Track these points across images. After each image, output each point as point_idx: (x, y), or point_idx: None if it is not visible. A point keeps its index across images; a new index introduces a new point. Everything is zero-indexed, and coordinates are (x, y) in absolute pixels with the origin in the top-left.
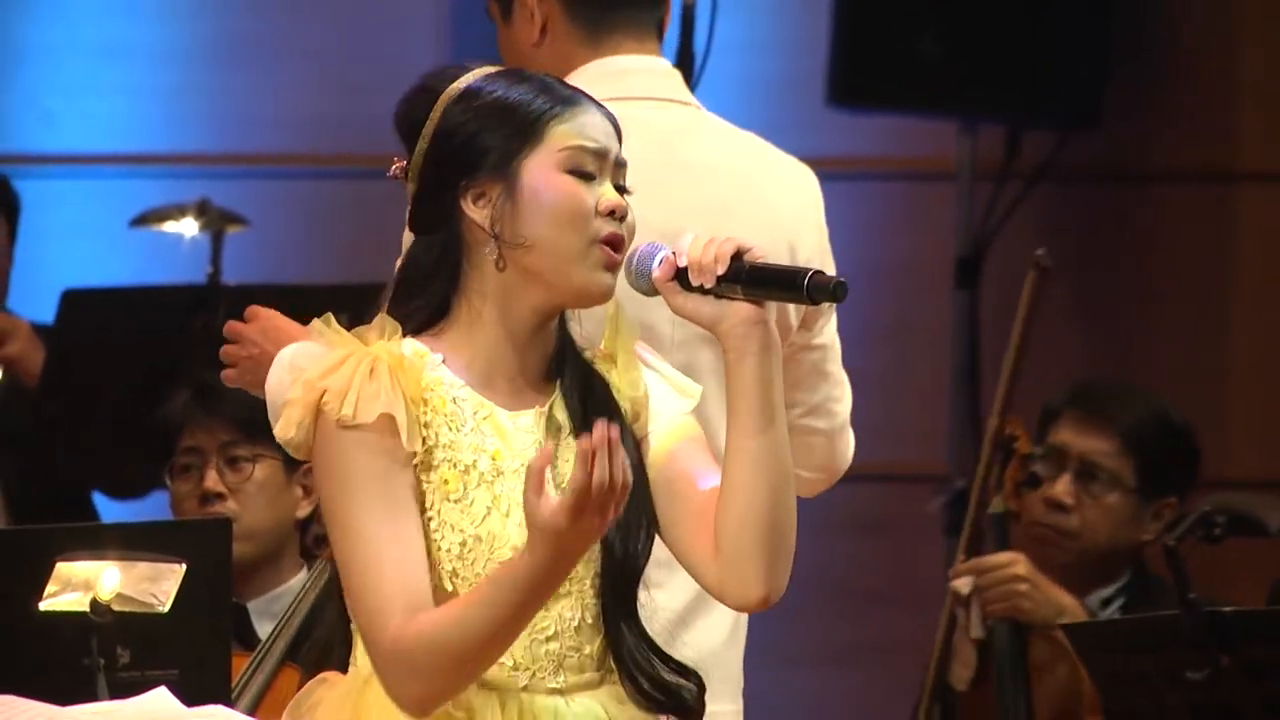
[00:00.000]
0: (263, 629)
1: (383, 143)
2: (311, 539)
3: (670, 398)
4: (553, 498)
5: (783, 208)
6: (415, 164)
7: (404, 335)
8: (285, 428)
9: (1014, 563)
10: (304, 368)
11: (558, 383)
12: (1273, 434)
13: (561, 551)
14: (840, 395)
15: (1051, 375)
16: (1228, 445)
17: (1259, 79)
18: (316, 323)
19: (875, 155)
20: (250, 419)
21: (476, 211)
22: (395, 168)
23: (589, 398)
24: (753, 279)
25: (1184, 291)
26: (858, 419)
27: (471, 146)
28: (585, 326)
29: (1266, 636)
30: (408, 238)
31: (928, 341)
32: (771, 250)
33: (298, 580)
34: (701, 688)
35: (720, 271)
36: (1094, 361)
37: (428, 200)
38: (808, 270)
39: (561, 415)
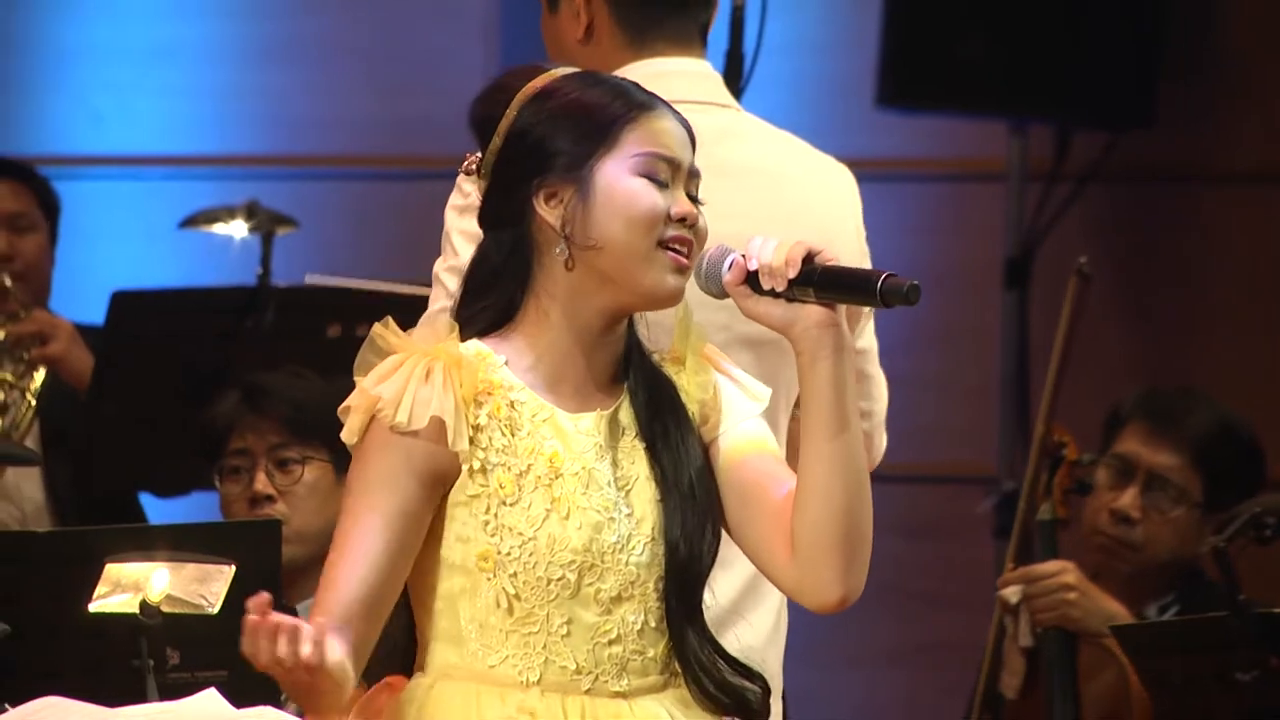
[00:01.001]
0: None
1: (432, 143)
2: None
3: (740, 401)
4: None
5: (821, 209)
6: (488, 161)
7: (470, 336)
8: (348, 434)
9: (1063, 571)
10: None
11: (625, 385)
12: None
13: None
14: (878, 395)
15: (1102, 378)
16: (1278, 450)
17: None
18: (377, 327)
19: (924, 156)
20: (299, 420)
21: (548, 211)
22: (469, 162)
23: (655, 400)
24: (825, 282)
25: (1235, 293)
26: (908, 421)
27: (545, 146)
28: (652, 333)
29: None
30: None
31: (977, 342)
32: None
33: None
34: (766, 690)
35: (792, 275)
36: (1145, 363)
37: (499, 197)
38: (881, 273)
39: (626, 418)
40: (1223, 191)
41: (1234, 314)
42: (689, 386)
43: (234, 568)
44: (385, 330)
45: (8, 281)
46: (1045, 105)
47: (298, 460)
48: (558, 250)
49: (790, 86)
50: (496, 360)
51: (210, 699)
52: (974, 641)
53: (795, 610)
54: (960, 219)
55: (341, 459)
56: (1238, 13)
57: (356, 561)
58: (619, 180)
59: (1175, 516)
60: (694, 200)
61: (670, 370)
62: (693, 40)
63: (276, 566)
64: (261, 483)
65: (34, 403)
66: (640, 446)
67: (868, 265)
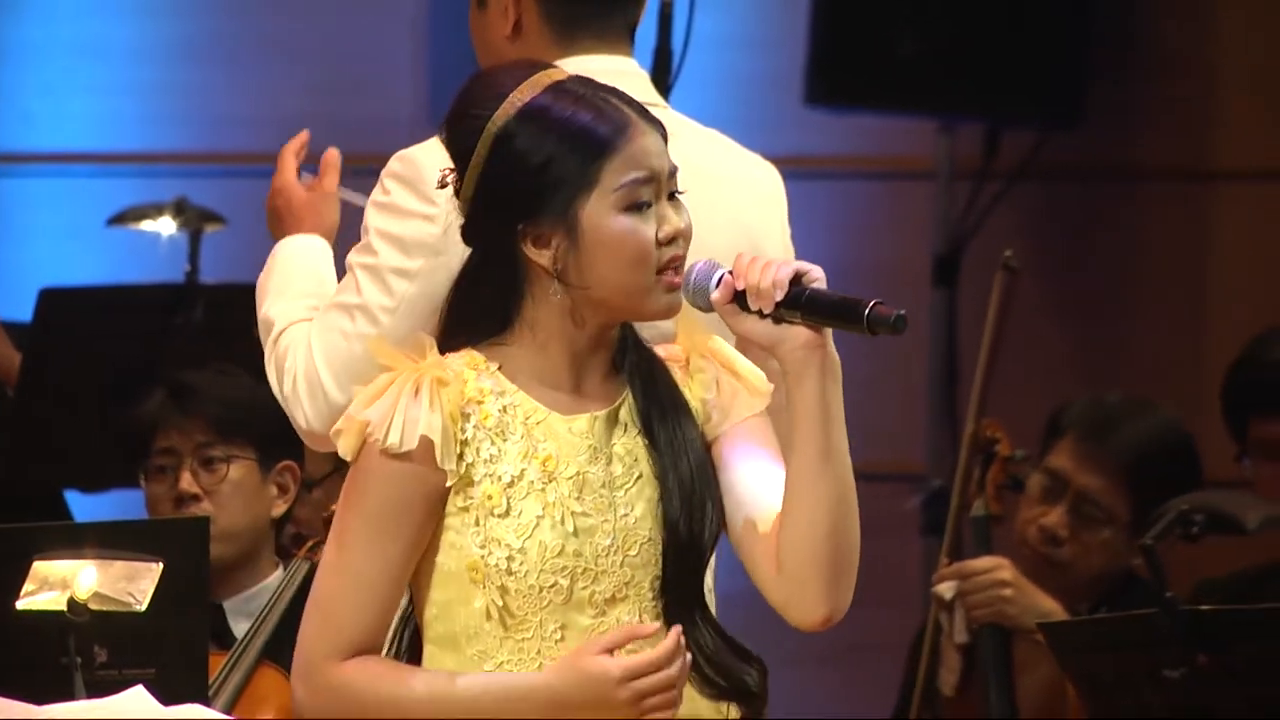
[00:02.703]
0: (239, 628)
1: (360, 142)
2: (287, 538)
3: (742, 397)
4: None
5: (749, 207)
6: (466, 193)
7: (465, 345)
8: (344, 453)
9: (997, 568)
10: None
11: (624, 380)
12: None
13: (565, 702)
14: None
15: (1033, 374)
16: (1207, 443)
17: (1237, 77)
18: (372, 341)
19: (853, 154)
20: (225, 419)
21: (538, 254)
22: (442, 174)
23: (651, 387)
24: (811, 306)
25: (1163, 289)
26: None
27: (525, 193)
28: (648, 333)
29: (1244, 635)
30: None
31: (906, 340)
32: (735, 250)
33: (274, 579)
34: (764, 672)
35: (779, 298)
36: (1074, 360)
37: (485, 232)
38: (869, 301)
39: (627, 414)
40: (1150, 189)
41: (1163, 310)
42: (692, 384)
43: (162, 565)
44: (379, 345)
45: None
46: (974, 103)
47: (223, 459)
48: (551, 290)
49: (719, 84)
50: (490, 366)
51: (138, 697)
52: (904, 640)
53: (725, 608)
54: (889, 217)
55: (267, 457)
56: (1165, 11)
57: (363, 603)
58: (605, 222)
59: (1103, 538)
60: (676, 195)
61: (672, 364)
62: (620, 38)
63: (205, 564)
64: (187, 482)
65: None
66: (642, 443)
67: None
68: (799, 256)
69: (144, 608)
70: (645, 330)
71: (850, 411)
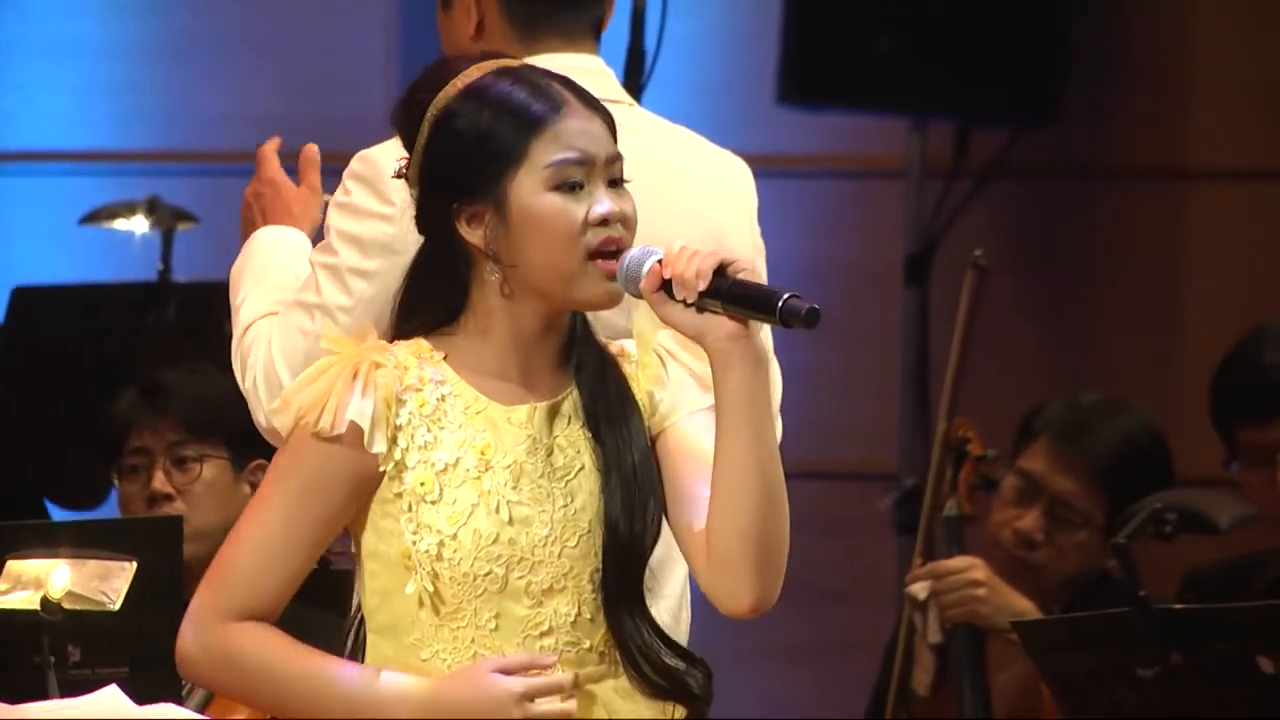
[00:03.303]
0: None
1: (331, 140)
2: None
3: (691, 391)
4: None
5: (716, 203)
6: (412, 175)
7: (415, 333)
8: (282, 430)
9: (971, 568)
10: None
11: (572, 372)
12: None
13: (449, 711)
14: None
15: (1006, 373)
16: (1180, 442)
17: (1212, 76)
18: (325, 338)
19: (825, 153)
20: (198, 418)
21: (471, 233)
22: (399, 164)
23: (600, 381)
24: (731, 296)
25: (1136, 288)
26: (809, 417)
27: (460, 170)
28: (604, 316)
29: (1217, 634)
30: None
31: (878, 339)
32: (701, 246)
33: None
34: (709, 675)
35: (702, 288)
36: (1046, 358)
37: (429, 214)
38: (783, 293)
39: (571, 407)
40: (1123, 188)
41: (1135, 309)
42: (640, 376)
43: (135, 564)
44: (326, 329)
45: None
46: (946, 102)
47: (195, 459)
48: (487, 270)
49: (691, 83)
50: (435, 355)
51: (111, 696)
52: (877, 638)
53: (699, 606)
54: (861, 216)
55: (240, 456)
56: (1139, 10)
57: (268, 568)
58: (532, 199)
59: (1078, 540)
60: (619, 183)
61: (622, 358)
62: (584, 36)
63: (178, 563)
64: (159, 481)
65: None
66: (585, 435)
67: (762, 259)
68: (770, 255)
69: (117, 607)
70: (601, 326)
71: (825, 411)
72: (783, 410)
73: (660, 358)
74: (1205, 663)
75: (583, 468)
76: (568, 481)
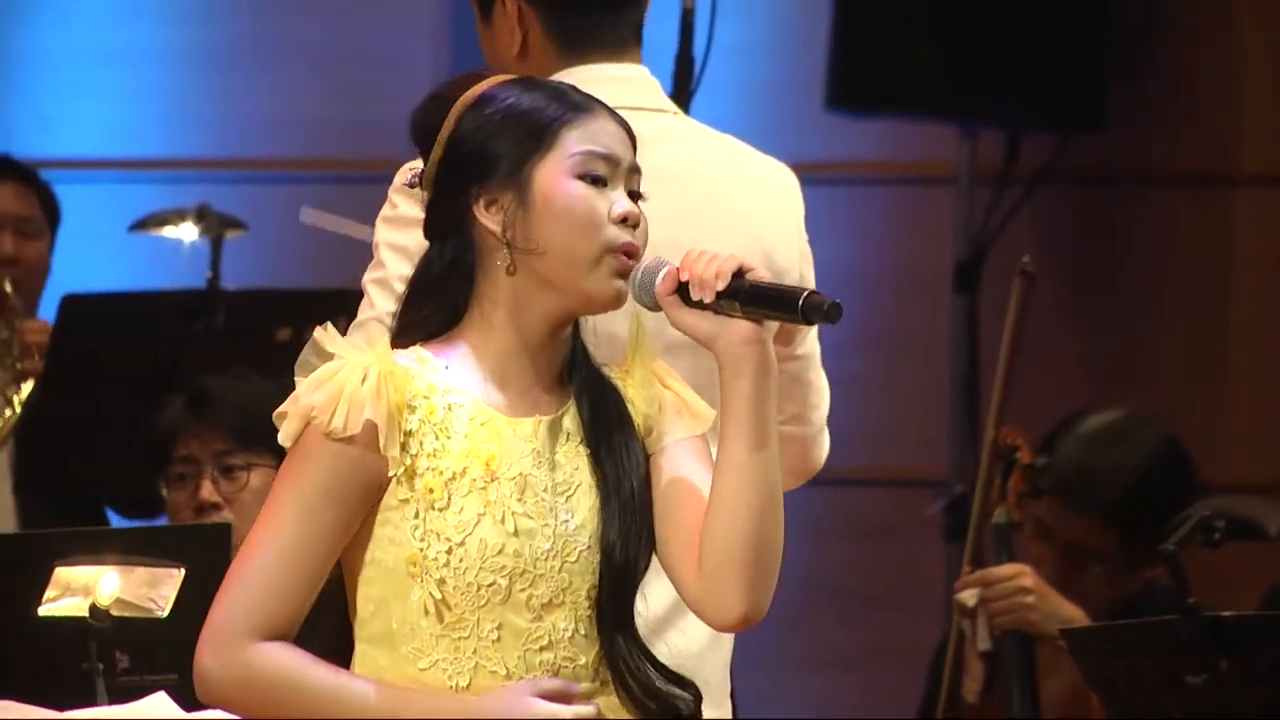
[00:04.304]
0: None
1: (382, 146)
2: None
3: (684, 419)
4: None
5: (758, 211)
6: (429, 172)
7: (414, 342)
8: (284, 438)
9: (1020, 574)
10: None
11: (570, 391)
12: (1272, 438)
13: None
14: (818, 402)
15: (1054, 380)
16: (1228, 449)
17: (1259, 82)
18: (319, 331)
19: (874, 159)
20: (245, 427)
21: (489, 218)
22: (411, 175)
23: (599, 406)
24: (750, 297)
25: (1184, 295)
26: (858, 424)
27: (483, 153)
28: (603, 346)
29: (1266, 641)
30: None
31: (927, 346)
32: (745, 255)
33: None
34: (698, 697)
35: (720, 287)
36: (1095, 365)
37: (441, 207)
38: (803, 290)
39: (571, 424)
40: (1171, 193)
41: (1184, 316)
42: (636, 399)
43: (184, 571)
44: (326, 334)
45: (8, 286)
46: (995, 108)
47: (243, 467)
48: (499, 258)
49: (740, 90)
50: (438, 365)
51: (160, 702)
52: (924, 645)
53: None
54: (910, 222)
55: None
56: (1185, 15)
57: (288, 582)
58: (557, 183)
59: (1097, 573)
60: (637, 196)
61: (618, 381)
62: (627, 44)
63: (226, 569)
64: (207, 490)
65: (19, 412)
66: (584, 453)
67: (809, 266)
68: (818, 262)
69: (166, 614)
70: (592, 340)
71: (873, 417)
72: (831, 417)
73: (659, 380)
74: (1255, 669)
75: (581, 485)
76: (568, 497)
